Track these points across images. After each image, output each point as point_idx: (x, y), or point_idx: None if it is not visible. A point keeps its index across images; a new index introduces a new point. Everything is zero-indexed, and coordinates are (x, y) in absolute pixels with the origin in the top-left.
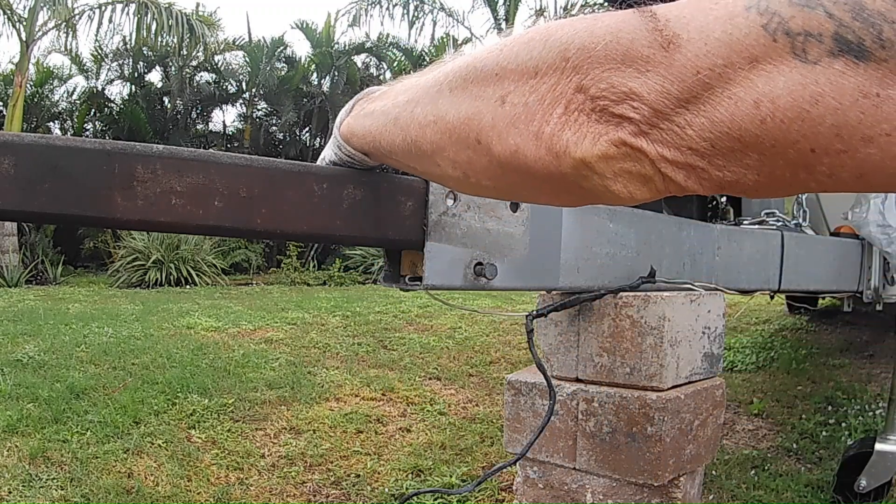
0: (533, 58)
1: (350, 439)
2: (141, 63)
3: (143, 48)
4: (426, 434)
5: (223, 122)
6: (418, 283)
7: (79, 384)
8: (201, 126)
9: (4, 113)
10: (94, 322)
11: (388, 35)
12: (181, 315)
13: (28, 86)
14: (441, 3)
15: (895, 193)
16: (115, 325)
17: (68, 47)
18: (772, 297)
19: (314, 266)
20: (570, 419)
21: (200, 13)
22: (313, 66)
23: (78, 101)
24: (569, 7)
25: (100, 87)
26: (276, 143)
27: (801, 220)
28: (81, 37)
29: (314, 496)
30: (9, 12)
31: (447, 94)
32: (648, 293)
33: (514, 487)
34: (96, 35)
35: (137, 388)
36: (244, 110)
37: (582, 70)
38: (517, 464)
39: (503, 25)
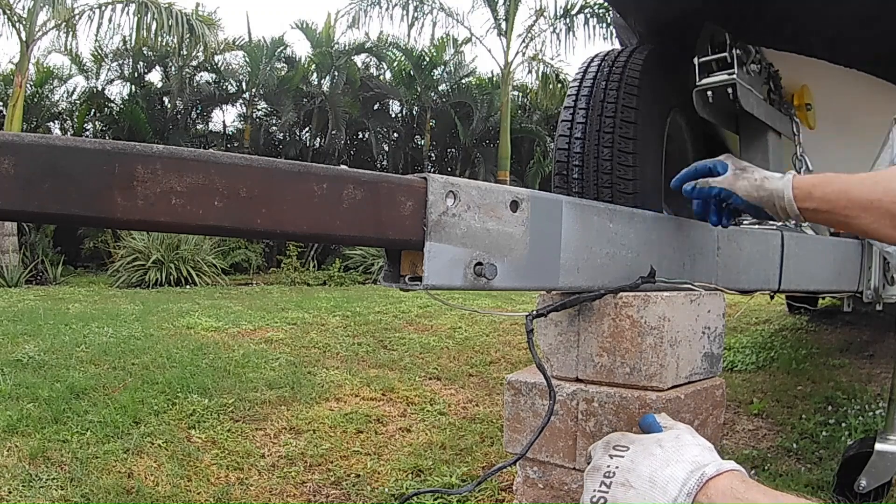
0: None
1: (350, 439)
2: (141, 63)
3: (143, 48)
4: (426, 434)
5: (223, 122)
6: (418, 283)
7: (79, 384)
8: (201, 126)
9: (4, 113)
10: (94, 322)
11: (387, 35)
12: (181, 315)
13: (28, 86)
14: (441, 3)
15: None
16: (115, 325)
17: (68, 47)
18: (772, 297)
19: (314, 266)
20: (569, 419)
21: (200, 13)
22: (313, 66)
23: (78, 101)
24: (569, 7)
25: (100, 87)
26: (276, 143)
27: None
28: (81, 37)
29: (314, 496)
30: (9, 12)
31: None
32: (648, 293)
33: (513, 487)
34: (96, 35)
35: (137, 388)
36: (244, 110)
37: None
38: (517, 464)
39: (503, 25)
